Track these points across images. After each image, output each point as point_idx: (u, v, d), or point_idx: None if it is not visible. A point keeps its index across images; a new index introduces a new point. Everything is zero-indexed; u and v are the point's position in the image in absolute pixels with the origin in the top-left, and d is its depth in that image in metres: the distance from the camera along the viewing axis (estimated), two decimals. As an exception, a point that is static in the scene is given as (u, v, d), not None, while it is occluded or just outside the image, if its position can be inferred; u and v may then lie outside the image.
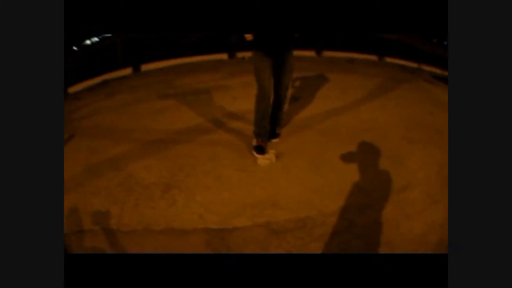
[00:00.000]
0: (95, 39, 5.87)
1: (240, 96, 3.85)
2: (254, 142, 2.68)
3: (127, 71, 6.64)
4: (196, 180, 2.42)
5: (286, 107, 2.87)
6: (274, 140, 2.85)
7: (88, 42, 5.77)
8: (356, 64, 5.58)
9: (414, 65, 7.59)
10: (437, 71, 7.78)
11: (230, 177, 2.45)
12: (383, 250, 1.88)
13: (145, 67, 6.43)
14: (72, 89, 6.64)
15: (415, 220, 2.11)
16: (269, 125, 2.66)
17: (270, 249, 1.88)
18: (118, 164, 2.65)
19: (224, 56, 7.42)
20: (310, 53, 6.65)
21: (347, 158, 2.66)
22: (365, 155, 2.73)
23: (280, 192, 2.31)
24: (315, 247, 1.88)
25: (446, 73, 7.54)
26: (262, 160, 2.59)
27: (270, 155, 2.63)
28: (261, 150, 2.63)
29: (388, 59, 7.46)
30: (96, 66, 5.61)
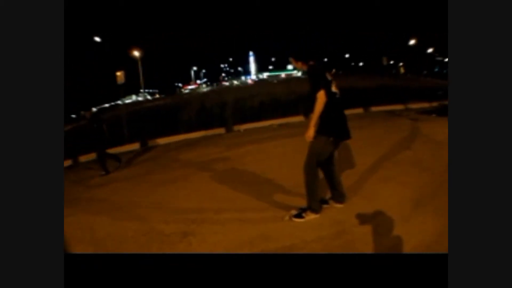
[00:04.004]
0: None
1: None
2: None
3: (135, 145, 6.98)
4: (208, 228, 2.57)
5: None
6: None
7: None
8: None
9: (401, 107, 8.03)
10: (425, 105, 8.11)
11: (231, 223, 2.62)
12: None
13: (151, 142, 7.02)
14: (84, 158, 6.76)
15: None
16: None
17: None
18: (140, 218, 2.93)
19: (221, 131, 8.22)
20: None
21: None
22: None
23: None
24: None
25: (433, 104, 7.96)
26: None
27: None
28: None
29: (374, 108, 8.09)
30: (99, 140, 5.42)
